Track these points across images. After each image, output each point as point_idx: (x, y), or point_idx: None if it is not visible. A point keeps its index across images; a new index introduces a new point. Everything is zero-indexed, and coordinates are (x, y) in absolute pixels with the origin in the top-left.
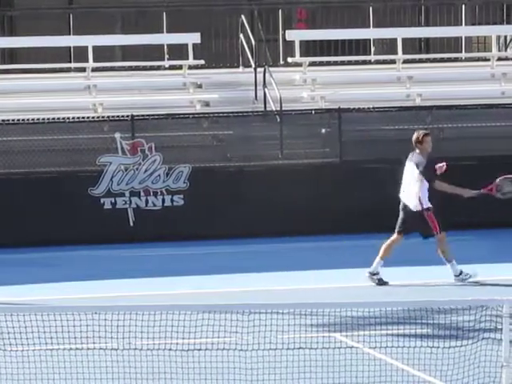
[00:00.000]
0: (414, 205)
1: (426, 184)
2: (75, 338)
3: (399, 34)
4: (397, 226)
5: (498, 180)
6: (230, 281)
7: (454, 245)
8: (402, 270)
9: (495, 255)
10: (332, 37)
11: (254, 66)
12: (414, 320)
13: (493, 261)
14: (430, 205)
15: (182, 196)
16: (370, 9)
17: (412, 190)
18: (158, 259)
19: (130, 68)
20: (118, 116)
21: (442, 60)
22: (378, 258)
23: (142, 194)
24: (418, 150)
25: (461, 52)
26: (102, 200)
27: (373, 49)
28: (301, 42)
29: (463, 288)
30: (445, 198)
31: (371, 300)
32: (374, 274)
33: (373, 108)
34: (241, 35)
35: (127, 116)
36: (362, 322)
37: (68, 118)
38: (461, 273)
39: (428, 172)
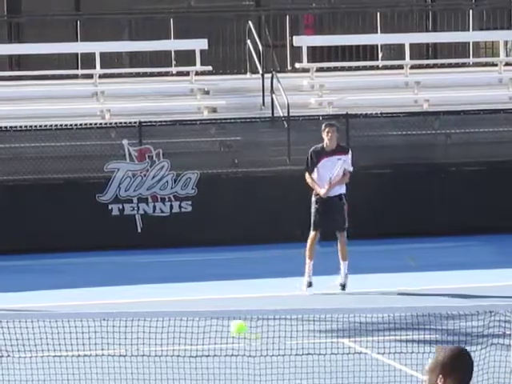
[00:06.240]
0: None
1: (320, 174)
2: (83, 344)
3: (407, 39)
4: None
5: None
6: (238, 287)
7: (462, 250)
8: (411, 275)
9: (503, 260)
10: (339, 42)
11: (261, 71)
12: (422, 325)
13: (501, 266)
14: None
15: (190, 202)
16: (378, 14)
17: None
18: (166, 265)
19: (138, 74)
20: (125, 122)
21: (449, 65)
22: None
23: (149, 200)
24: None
25: (468, 57)
26: (109, 206)
27: (380, 54)
28: (308, 47)
29: (471, 293)
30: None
31: (379, 306)
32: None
33: (380, 113)
34: (248, 41)
35: (135, 122)
36: (371, 327)
37: (75, 125)
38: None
39: (306, 161)
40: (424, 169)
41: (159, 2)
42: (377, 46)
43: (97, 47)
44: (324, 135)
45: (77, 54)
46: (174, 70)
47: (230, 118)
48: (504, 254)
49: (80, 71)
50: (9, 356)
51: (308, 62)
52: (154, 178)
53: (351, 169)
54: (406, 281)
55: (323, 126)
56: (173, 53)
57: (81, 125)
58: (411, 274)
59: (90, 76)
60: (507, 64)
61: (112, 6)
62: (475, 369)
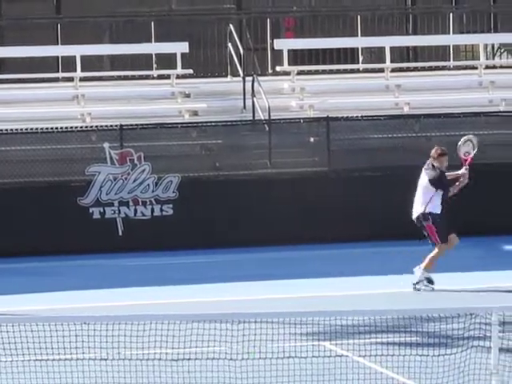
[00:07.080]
0: (417, 212)
1: (438, 195)
2: (64, 348)
3: (387, 42)
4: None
5: (461, 153)
6: (219, 290)
7: (445, 252)
8: (392, 278)
9: (484, 263)
10: (320, 45)
11: (242, 75)
12: (403, 328)
13: (481, 269)
14: (434, 212)
15: (171, 205)
16: (358, 17)
17: (422, 200)
18: (147, 269)
19: (119, 77)
20: (106, 126)
21: (429, 68)
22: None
23: (130, 203)
24: (434, 164)
25: (449, 60)
26: (90, 210)
27: (361, 57)
28: (289, 50)
29: (452, 296)
30: None
31: (360, 308)
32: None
33: (361, 116)
34: (229, 44)
35: (116, 125)
36: (352, 330)
37: (56, 128)
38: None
39: (441, 184)
40: (405, 171)
41: (140, 5)
42: (357, 49)
43: (77, 50)
44: (443, 159)
45: (57, 57)
46: (154, 73)
47: (211, 122)
48: (486, 256)
49: (60, 74)
50: None
51: (289, 65)
52: (135, 181)
53: None
54: (387, 283)
55: (442, 150)
56: (154, 56)
57: (61, 128)
58: (392, 277)
59: (71, 79)
60: (487, 67)
61: (93, 9)
62: (456, 371)
